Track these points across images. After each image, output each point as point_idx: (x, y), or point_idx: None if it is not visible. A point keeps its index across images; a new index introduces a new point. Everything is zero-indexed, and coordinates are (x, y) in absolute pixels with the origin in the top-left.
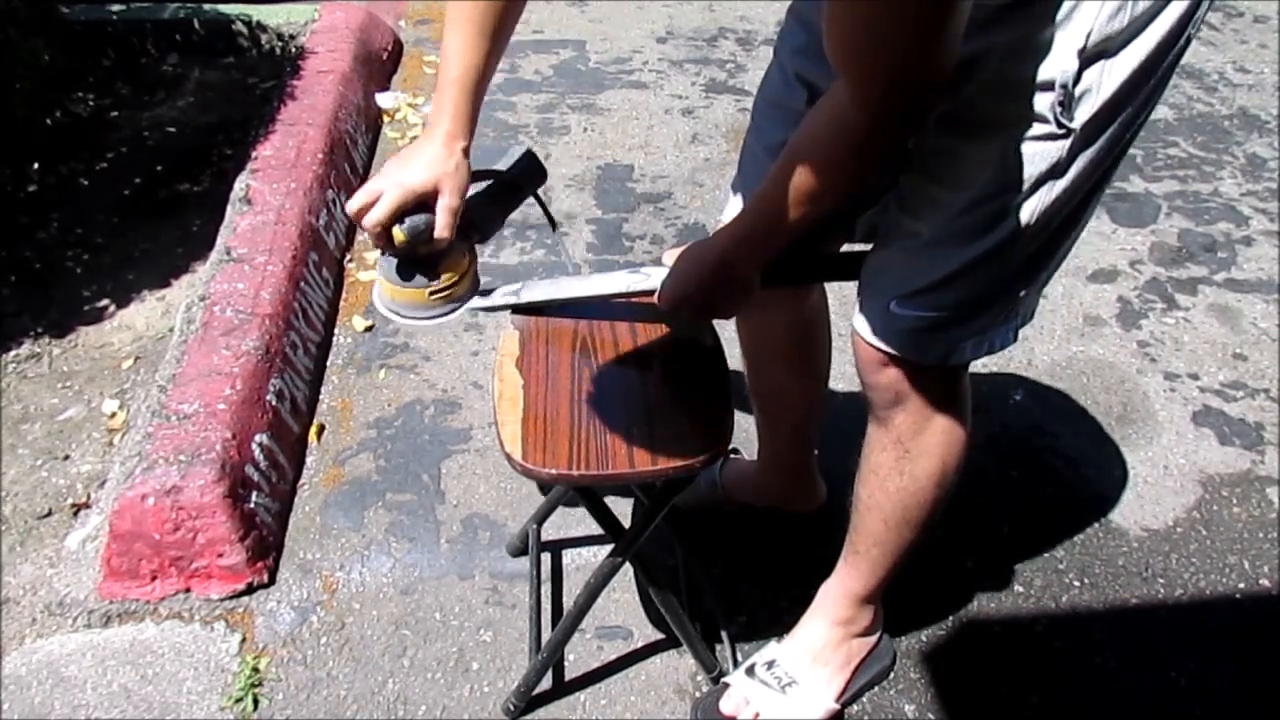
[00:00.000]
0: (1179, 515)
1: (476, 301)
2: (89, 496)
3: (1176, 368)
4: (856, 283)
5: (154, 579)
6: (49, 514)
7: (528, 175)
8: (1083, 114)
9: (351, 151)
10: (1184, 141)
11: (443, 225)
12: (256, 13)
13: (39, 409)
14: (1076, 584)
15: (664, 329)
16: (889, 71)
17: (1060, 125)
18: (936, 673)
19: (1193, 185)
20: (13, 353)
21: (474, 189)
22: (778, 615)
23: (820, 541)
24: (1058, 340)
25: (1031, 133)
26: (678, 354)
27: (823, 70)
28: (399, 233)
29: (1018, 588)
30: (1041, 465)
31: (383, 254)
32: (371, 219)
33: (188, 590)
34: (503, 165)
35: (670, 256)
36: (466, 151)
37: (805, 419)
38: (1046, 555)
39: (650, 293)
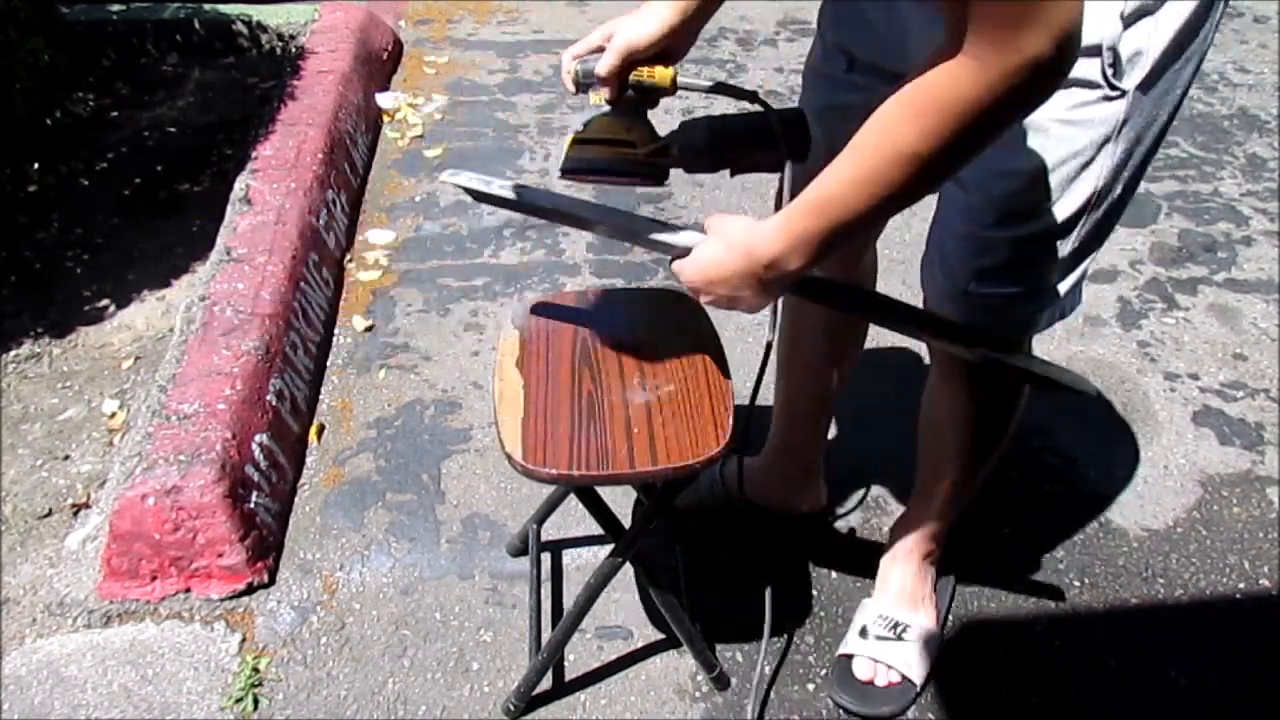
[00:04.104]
0: (1179, 515)
1: (465, 178)
2: (89, 496)
3: (1176, 368)
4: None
5: (154, 579)
6: (49, 514)
7: (784, 136)
8: (1135, 75)
9: (351, 151)
10: (1184, 141)
11: (602, 63)
12: (256, 13)
13: (39, 409)
14: (1076, 584)
15: (663, 330)
16: (1040, 13)
17: (1113, 88)
18: (936, 673)
19: (1193, 185)
20: (13, 353)
21: (727, 113)
22: (778, 615)
23: (821, 542)
24: (1058, 340)
25: (1086, 99)
26: (678, 354)
27: (858, 37)
28: (572, 68)
29: (1018, 588)
30: (1041, 465)
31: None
32: (566, 54)
33: (188, 590)
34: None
35: (712, 225)
36: (664, 14)
37: (823, 401)
38: (1046, 555)
39: (672, 251)
